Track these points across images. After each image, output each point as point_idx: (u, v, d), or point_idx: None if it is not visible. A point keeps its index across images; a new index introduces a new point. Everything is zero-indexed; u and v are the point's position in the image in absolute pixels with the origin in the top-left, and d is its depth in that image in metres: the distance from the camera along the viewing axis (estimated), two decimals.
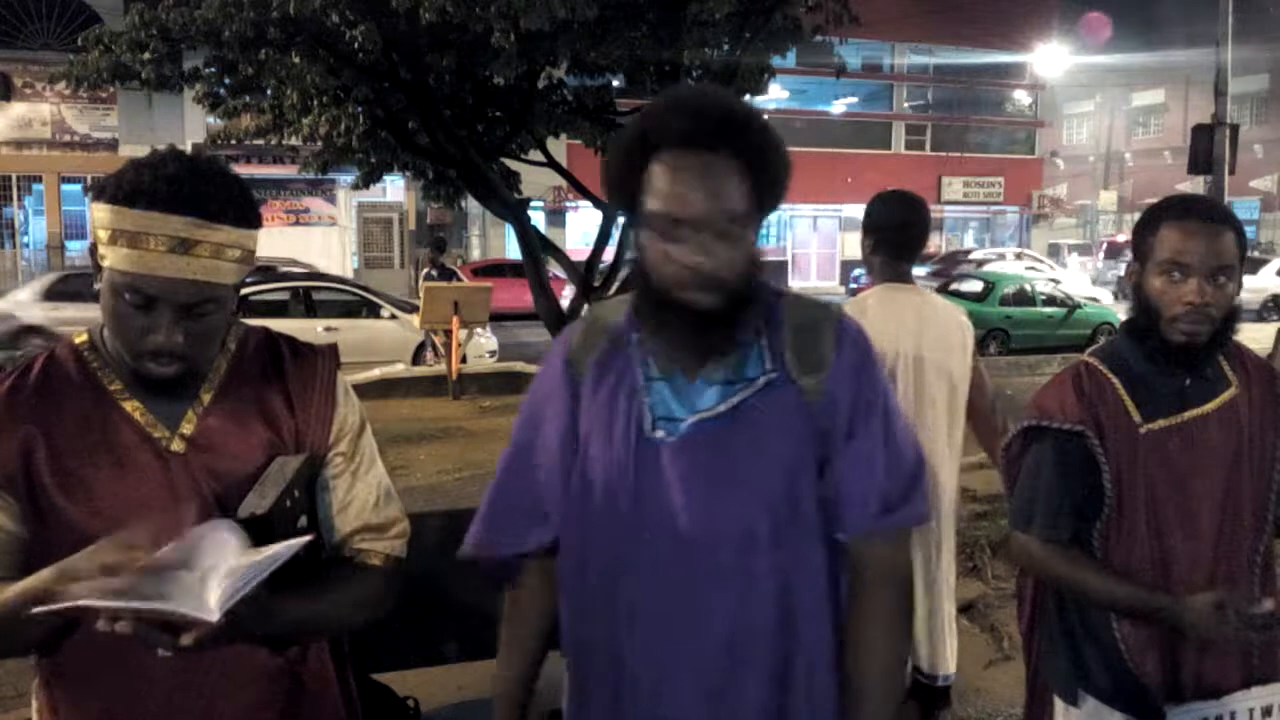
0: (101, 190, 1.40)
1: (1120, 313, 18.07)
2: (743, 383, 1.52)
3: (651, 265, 1.48)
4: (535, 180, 14.23)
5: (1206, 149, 13.27)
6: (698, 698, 1.52)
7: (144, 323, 1.40)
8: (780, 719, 1.53)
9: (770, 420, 1.51)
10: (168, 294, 1.39)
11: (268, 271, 14.93)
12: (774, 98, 27.16)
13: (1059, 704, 2.08)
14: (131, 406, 1.48)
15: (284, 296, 13.04)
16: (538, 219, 13.24)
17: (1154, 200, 2.12)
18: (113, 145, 25.22)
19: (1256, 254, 26.77)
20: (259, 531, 1.37)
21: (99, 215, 1.40)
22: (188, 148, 1.81)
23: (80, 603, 1.23)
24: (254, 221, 1.47)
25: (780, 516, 1.50)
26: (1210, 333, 1.92)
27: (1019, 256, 28.19)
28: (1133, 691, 1.97)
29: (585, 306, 11.26)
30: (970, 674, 4.08)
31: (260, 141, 12.18)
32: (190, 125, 22.40)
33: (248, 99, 11.00)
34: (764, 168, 1.48)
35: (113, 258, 1.38)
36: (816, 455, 1.52)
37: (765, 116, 1.56)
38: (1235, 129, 13.72)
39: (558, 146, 13.67)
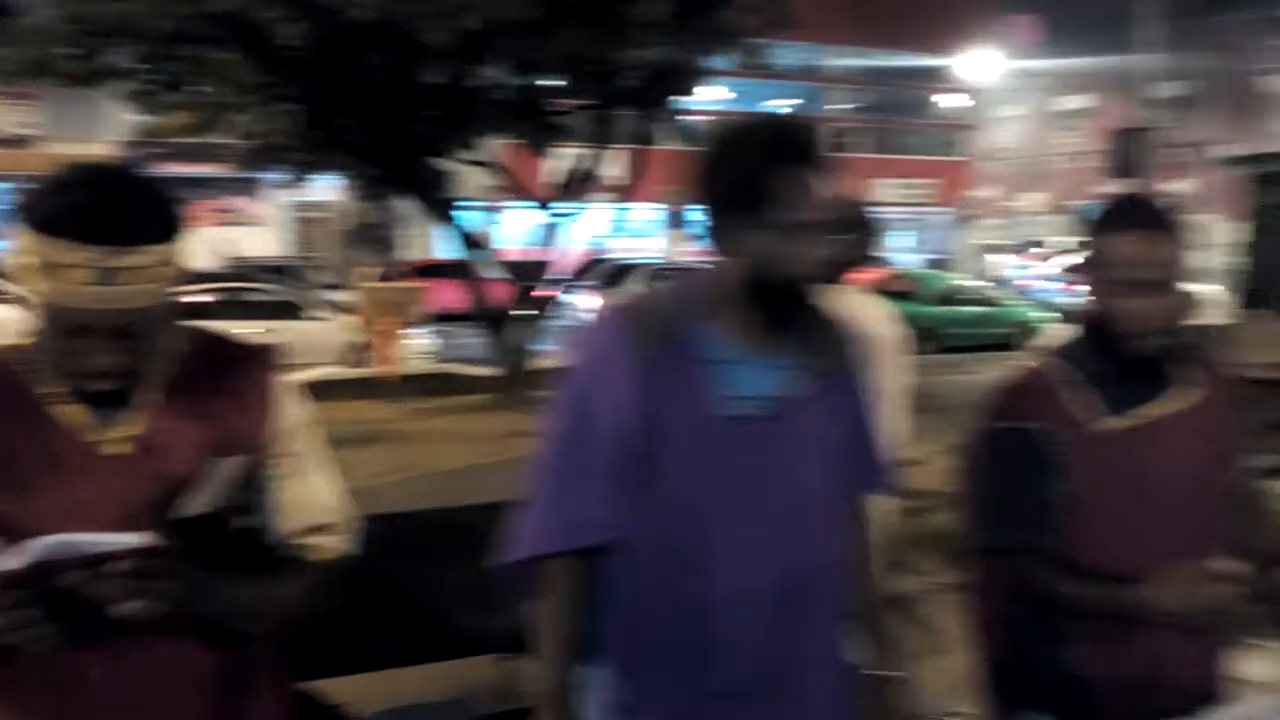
0: (18, 211, 1.36)
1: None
2: (803, 367, 1.69)
3: (782, 260, 1.61)
4: (472, 179, 14.14)
5: (1126, 153, 13.63)
6: (776, 640, 1.67)
7: (77, 345, 1.39)
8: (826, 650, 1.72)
9: (832, 400, 1.73)
10: (96, 322, 1.37)
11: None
12: (717, 98, 27.26)
13: None
14: (68, 411, 1.46)
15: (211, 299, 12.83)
16: (474, 218, 13.13)
17: (1081, 202, 2.12)
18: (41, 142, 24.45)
19: None
20: (195, 532, 1.36)
21: (18, 238, 1.36)
22: (114, 146, 1.77)
23: None
24: (176, 232, 1.43)
25: (838, 484, 1.74)
26: (1174, 339, 1.85)
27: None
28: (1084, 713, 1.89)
29: (518, 305, 11.24)
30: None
31: (189, 139, 11.96)
32: (118, 122, 21.83)
33: (178, 96, 10.80)
34: None
35: (35, 284, 1.36)
36: (850, 430, 1.77)
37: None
38: (1153, 134, 14.10)
39: (497, 145, 13.60)
